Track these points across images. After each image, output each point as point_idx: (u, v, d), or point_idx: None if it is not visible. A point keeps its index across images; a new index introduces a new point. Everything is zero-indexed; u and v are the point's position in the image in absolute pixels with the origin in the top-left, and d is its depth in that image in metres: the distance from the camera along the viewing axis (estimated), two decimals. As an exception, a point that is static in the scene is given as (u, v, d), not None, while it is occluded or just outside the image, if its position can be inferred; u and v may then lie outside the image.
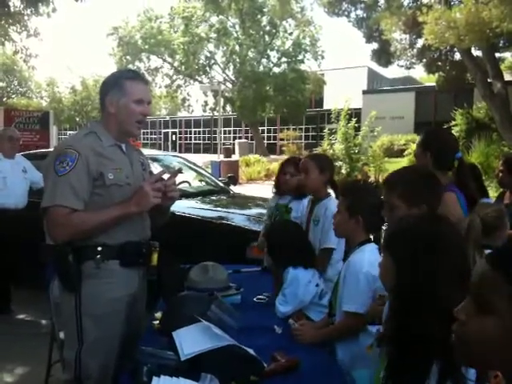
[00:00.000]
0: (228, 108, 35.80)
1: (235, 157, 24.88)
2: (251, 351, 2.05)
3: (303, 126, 36.67)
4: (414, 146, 3.40)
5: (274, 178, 4.27)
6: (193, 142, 45.82)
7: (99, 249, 2.35)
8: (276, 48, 33.12)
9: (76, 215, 2.28)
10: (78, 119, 42.56)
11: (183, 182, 6.50)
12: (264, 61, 32.91)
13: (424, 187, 2.12)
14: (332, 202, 3.36)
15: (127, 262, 2.43)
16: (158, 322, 2.48)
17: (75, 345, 2.37)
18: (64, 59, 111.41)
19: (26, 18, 13.46)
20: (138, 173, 2.58)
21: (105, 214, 2.33)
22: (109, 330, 2.39)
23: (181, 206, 5.38)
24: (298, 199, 3.90)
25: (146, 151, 8.60)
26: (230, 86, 33.34)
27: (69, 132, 43.53)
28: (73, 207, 2.26)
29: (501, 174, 4.07)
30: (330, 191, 3.48)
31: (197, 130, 45.78)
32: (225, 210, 5.57)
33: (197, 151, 41.35)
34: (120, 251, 2.40)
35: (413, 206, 2.06)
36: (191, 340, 2.05)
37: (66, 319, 2.44)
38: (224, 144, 30.45)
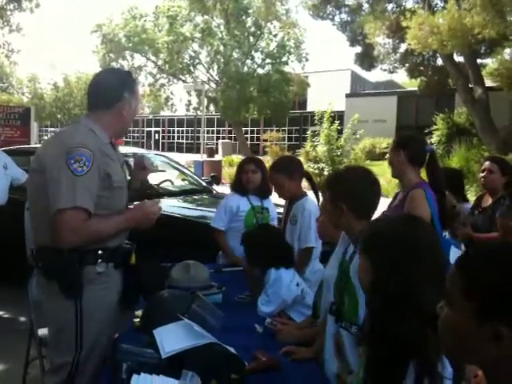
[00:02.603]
0: (211, 108, 35.70)
1: (218, 157, 24.84)
2: (232, 350, 2.05)
3: (286, 128, 36.72)
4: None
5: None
6: (176, 141, 45.62)
7: (100, 252, 2.29)
8: (260, 49, 33.11)
9: (92, 223, 2.21)
10: (59, 116, 42.14)
11: (166, 180, 6.49)
12: (248, 62, 32.88)
13: (346, 188, 2.11)
14: (309, 201, 3.45)
15: (119, 264, 2.40)
16: (138, 320, 2.48)
17: (72, 351, 2.29)
18: (46, 55, 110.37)
19: (8, 13, 13.32)
20: (124, 173, 2.54)
21: (114, 226, 2.32)
22: (104, 334, 2.37)
23: (163, 205, 5.36)
24: (266, 198, 4.02)
25: (129, 149, 8.56)
26: (213, 85, 33.25)
27: (50, 129, 43.08)
28: (90, 210, 2.18)
29: (489, 175, 4.03)
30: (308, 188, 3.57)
31: (180, 129, 45.61)
32: (207, 209, 5.56)
33: (180, 150, 41.16)
34: (114, 253, 2.36)
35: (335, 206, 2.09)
36: (172, 338, 2.05)
37: (64, 325, 2.31)
38: (207, 144, 30.40)
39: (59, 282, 2.24)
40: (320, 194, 3.21)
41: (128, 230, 2.44)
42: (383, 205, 3.28)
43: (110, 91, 2.39)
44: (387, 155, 3.08)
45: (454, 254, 2.83)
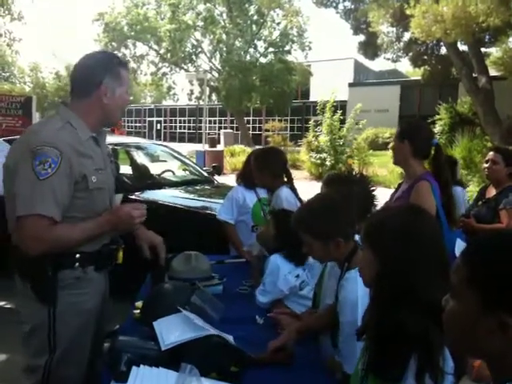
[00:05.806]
0: (214, 97, 35.66)
1: (220, 147, 24.76)
2: (231, 340, 2.04)
3: (289, 117, 36.67)
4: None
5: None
6: (178, 131, 45.58)
7: (77, 256, 2.16)
8: (263, 38, 32.99)
9: (55, 230, 2.05)
10: (61, 105, 42.15)
11: (167, 170, 6.47)
12: (251, 50, 32.77)
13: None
14: (284, 190, 3.51)
15: (101, 266, 2.30)
16: (138, 311, 2.46)
17: (45, 353, 2.19)
18: (48, 44, 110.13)
19: (9, 1, 13.25)
20: (109, 168, 2.37)
21: (83, 232, 2.14)
22: (82, 340, 2.26)
23: (164, 195, 5.35)
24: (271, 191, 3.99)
25: (131, 139, 8.53)
26: (216, 75, 33.15)
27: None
28: (54, 217, 2.02)
29: (493, 166, 4.01)
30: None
31: (182, 118, 45.55)
32: (209, 199, 5.55)
33: (181, 140, 41.14)
34: (96, 256, 2.25)
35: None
36: (172, 330, 2.05)
37: (36, 327, 2.20)
38: (209, 134, 30.32)
39: (32, 285, 2.15)
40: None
41: (104, 234, 2.25)
42: (385, 195, 3.26)
43: (88, 77, 2.19)
44: (390, 144, 3.02)
45: (460, 247, 2.81)
